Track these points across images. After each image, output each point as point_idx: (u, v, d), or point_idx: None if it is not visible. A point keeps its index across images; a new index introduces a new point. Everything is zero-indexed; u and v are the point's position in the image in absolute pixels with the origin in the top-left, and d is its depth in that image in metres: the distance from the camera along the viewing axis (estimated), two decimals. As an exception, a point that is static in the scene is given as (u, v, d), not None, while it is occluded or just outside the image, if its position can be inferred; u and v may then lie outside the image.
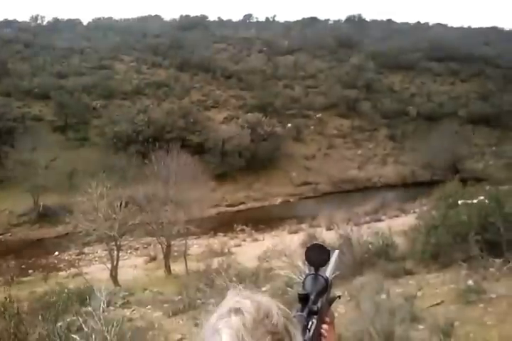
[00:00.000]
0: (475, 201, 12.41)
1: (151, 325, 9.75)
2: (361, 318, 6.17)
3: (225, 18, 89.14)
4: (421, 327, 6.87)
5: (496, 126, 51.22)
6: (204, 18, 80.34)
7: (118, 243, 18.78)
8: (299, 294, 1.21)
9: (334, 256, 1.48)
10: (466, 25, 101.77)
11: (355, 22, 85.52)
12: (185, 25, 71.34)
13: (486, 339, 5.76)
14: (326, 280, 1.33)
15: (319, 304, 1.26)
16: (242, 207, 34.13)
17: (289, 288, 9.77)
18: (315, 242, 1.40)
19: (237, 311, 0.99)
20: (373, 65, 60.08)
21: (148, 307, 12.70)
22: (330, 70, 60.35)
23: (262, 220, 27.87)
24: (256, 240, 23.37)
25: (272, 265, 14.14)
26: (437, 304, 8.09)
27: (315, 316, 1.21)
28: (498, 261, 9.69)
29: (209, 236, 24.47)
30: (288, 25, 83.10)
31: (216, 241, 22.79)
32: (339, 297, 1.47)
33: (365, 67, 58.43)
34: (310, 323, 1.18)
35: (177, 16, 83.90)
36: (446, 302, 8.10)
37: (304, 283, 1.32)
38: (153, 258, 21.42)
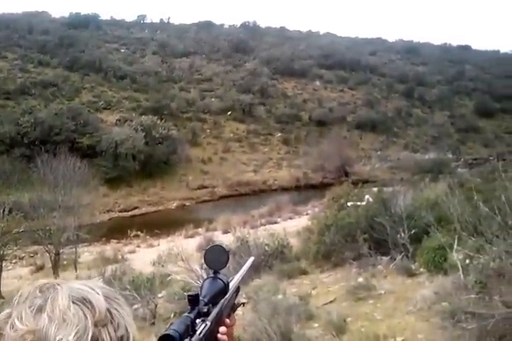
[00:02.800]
0: (364, 202, 13.04)
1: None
2: (259, 319, 6.18)
3: (117, 17, 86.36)
4: (316, 324, 7.04)
5: (381, 131, 54.57)
6: (96, 16, 77.16)
7: (1, 252, 17.46)
8: (187, 295, 1.11)
9: (248, 263, 1.43)
10: (353, 36, 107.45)
11: (250, 28, 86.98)
12: (76, 23, 68.05)
13: (376, 332, 6.00)
14: (226, 283, 1.25)
15: (217, 309, 1.17)
16: (136, 211, 33.18)
17: (185, 293, 9.59)
18: (214, 244, 1.32)
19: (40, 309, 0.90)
20: (267, 71, 61.50)
21: (35, 319, 11.86)
22: (226, 74, 60.88)
23: (158, 225, 27.25)
24: (151, 246, 22.77)
25: (168, 270, 13.85)
26: (330, 302, 8.36)
27: (207, 318, 1.11)
28: (385, 258, 10.23)
29: (101, 243, 23.46)
30: (183, 28, 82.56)
31: (109, 248, 21.92)
32: (243, 304, 1.39)
33: (259, 72, 59.63)
34: (202, 326, 1.08)
35: (66, 14, 79.86)
36: (339, 300, 8.39)
37: (201, 286, 1.22)
38: (41, 268, 20.13)
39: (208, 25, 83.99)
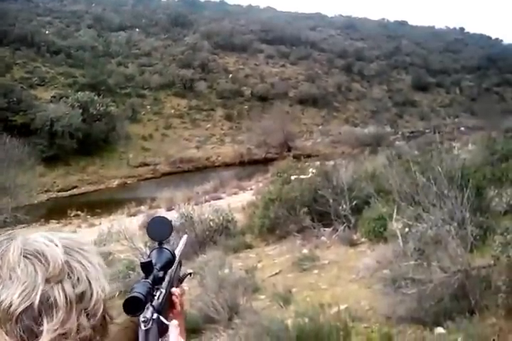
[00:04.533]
0: (307, 176, 13.21)
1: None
2: (205, 293, 6.19)
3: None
4: (262, 296, 7.13)
5: (322, 106, 55.21)
6: (25, -13, 73.12)
7: None
8: (141, 262, 1.08)
9: (183, 241, 1.43)
10: (293, 10, 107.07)
11: (189, 1, 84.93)
12: (3, -6, 64.34)
13: (321, 301, 6.14)
14: (172, 253, 1.24)
15: (167, 277, 1.16)
16: (75, 191, 32.31)
17: (130, 271, 9.47)
18: (156, 215, 1.30)
19: None
20: (208, 45, 60.57)
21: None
22: (165, 49, 59.49)
23: (99, 204, 26.68)
24: (92, 225, 22.28)
25: (111, 249, 13.62)
26: (276, 274, 8.47)
27: (161, 286, 1.11)
28: (328, 230, 10.45)
29: (40, 224, 22.71)
30: (119, 1, 79.57)
31: (48, 229, 21.31)
32: (190, 274, 1.39)
33: (200, 47, 58.66)
34: (159, 292, 1.07)
35: (-8, -16, 74.93)
36: (284, 271, 8.52)
37: (149, 256, 1.21)
38: (-24, 251, 19.39)
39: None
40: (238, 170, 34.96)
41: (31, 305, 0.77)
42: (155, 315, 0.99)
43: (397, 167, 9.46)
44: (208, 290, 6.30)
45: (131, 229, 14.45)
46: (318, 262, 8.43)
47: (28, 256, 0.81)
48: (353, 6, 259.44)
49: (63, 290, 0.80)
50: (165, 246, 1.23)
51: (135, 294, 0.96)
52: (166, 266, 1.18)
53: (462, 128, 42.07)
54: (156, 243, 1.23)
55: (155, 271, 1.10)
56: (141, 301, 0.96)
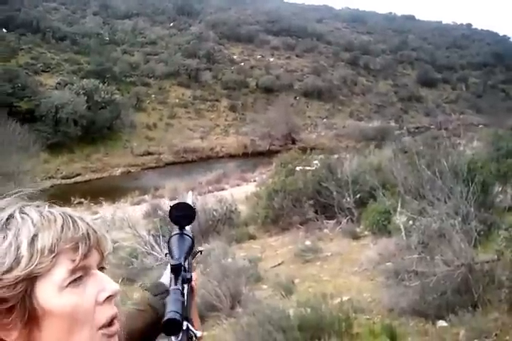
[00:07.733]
0: (311, 167, 13.21)
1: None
2: (208, 282, 6.23)
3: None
4: (265, 286, 7.17)
5: (327, 99, 55.05)
6: (31, -28, 72.70)
7: None
8: (171, 265, 1.08)
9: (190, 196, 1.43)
10: (300, 2, 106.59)
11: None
12: (9, -20, 63.99)
13: (323, 292, 6.16)
14: (192, 238, 1.24)
15: (187, 263, 1.16)
16: (79, 178, 32.34)
17: (133, 259, 9.52)
18: (180, 201, 1.30)
19: None
20: (214, 35, 60.33)
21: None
22: (170, 38, 59.31)
23: (102, 192, 26.65)
24: (96, 213, 22.34)
25: (114, 237, 13.68)
26: (279, 264, 8.51)
27: (188, 284, 1.11)
28: (331, 222, 10.48)
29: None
30: (126, -12, 79.22)
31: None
32: (200, 252, 1.39)
33: (205, 36, 58.45)
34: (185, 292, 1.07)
35: (-1, -32, 74.53)
36: (287, 262, 8.56)
37: (169, 242, 1.20)
38: (-22, 238, 19.46)
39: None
40: (242, 162, 34.95)
41: None
42: (185, 325, 0.96)
43: (402, 160, 9.46)
44: (210, 278, 6.34)
45: (134, 218, 14.53)
46: (321, 254, 8.46)
47: None
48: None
49: None
50: (185, 231, 1.22)
51: (172, 315, 0.93)
52: (188, 252, 1.18)
53: (481, 126, 40.69)
54: (177, 228, 1.22)
55: (183, 271, 1.10)
56: (180, 322, 0.93)
